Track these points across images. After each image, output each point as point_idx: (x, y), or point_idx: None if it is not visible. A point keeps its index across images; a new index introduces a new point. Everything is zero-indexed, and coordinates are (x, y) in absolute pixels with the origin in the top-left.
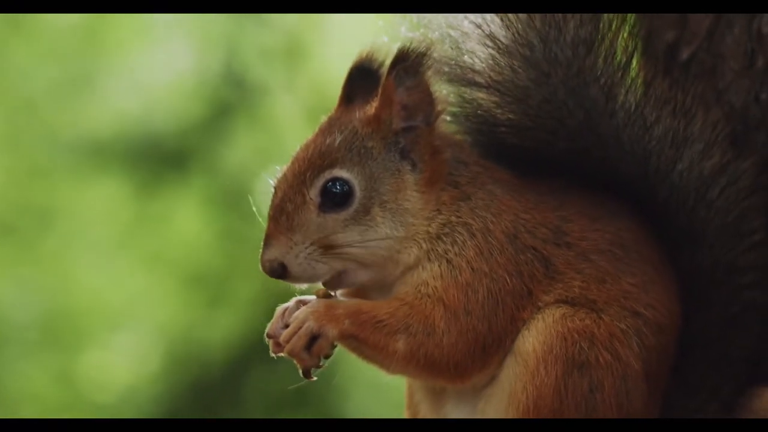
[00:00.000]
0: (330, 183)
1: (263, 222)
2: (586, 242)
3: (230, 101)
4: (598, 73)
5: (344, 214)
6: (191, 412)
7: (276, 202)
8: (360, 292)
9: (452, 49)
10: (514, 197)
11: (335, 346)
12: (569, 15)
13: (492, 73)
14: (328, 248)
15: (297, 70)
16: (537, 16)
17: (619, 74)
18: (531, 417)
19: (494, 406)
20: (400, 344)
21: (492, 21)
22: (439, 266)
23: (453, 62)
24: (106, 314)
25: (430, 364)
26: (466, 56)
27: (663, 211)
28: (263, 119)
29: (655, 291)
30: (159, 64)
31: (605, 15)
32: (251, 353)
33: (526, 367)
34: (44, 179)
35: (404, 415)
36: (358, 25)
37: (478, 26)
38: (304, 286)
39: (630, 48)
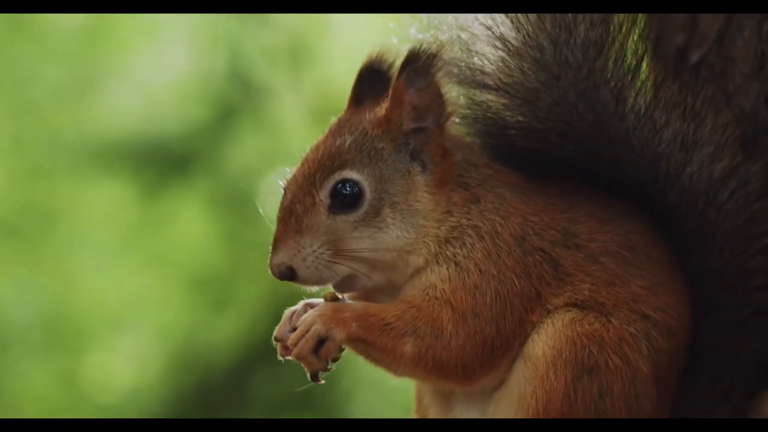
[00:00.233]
0: (340, 184)
1: (268, 224)
2: (595, 244)
3: (234, 102)
4: (608, 75)
5: (354, 216)
6: (194, 414)
7: (285, 204)
8: (368, 295)
9: (462, 50)
10: (523, 200)
11: (343, 349)
12: (580, 17)
13: (502, 75)
14: (337, 250)
15: (301, 71)
16: (547, 18)
17: (629, 77)
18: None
19: (503, 409)
20: (408, 347)
21: (502, 23)
22: (447, 269)
23: (463, 64)
24: (109, 316)
25: (438, 367)
26: (476, 58)
27: (672, 214)
28: (267, 121)
29: (664, 294)
30: (163, 66)
31: (615, 17)
32: (255, 355)
33: (536, 372)
34: (47, 181)
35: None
36: (363, 26)
37: (488, 28)
38: (314, 288)
39: (640, 51)
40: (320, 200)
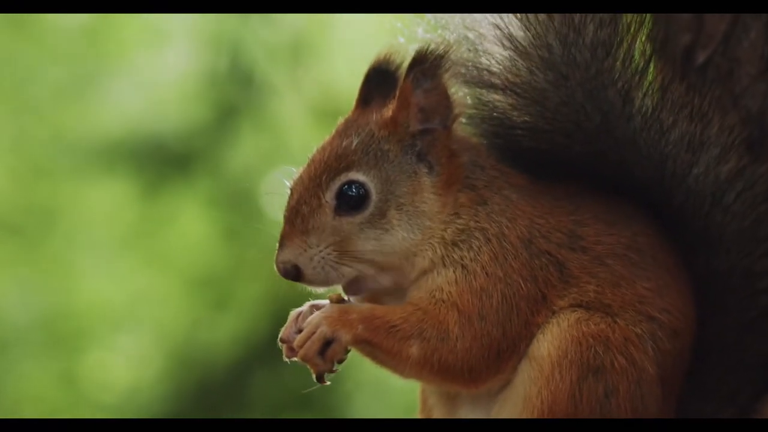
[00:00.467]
0: (346, 186)
1: (269, 224)
2: (601, 246)
3: (235, 102)
4: (616, 76)
5: (360, 218)
6: (194, 413)
7: (291, 204)
8: (374, 297)
9: (470, 50)
10: (530, 202)
11: (348, 351)
12: (588, 17)
13: (509, 75)
14: (343, 251)
15: (303, 70)
16: (556, 18)
17: (637, 78)
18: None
19: (509, 410)
20: (414, 349)
21: (510, 22)
22: (454, 272)
23: (470, 64)
24: (109, 315)
25: (444, 370)
26: (483, 58)
27: (679, 215)
28: (268, 120)
29: (670, 295)
30: (163, 65)
31: (624, 18)
32: (254, 355)
33: (541, 372)
34: (48, 180)
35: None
36: (365, 25)
37: (497, 27)
38: (319, 290)
39: (648, 51)
40: (326, 201)
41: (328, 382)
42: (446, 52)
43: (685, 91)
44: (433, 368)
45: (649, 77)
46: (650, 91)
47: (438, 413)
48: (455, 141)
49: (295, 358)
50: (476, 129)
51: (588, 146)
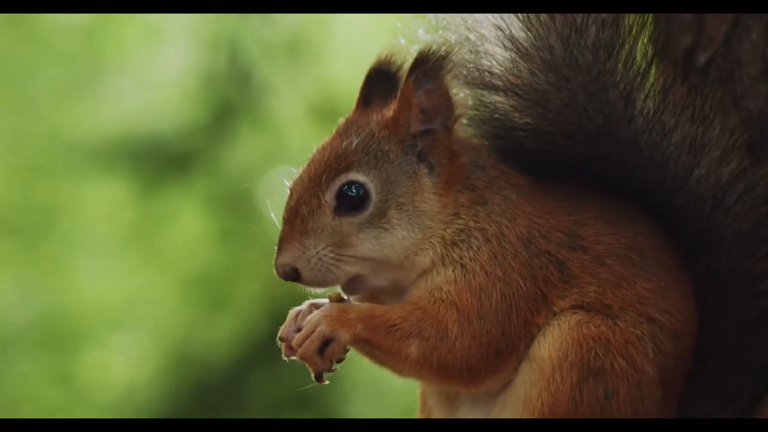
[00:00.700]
0: (346, 186)
1: (267, 224)
2: (602, 246)
3: (234, 102)
4: (618, 77)
5: (359, 218)
6: (192, 413)
7: (291, 205)
8: (374, 296)
9: (471, 51)
10: (530, 202)
11: (347, 350)
12: (591, 19)
13: (511, 77)
14: (341, 252)
15: (301, 70)
16: (558, 19)
17: (639, 79)
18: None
19: (509, 412)
20: (413, 349)
21: (512, 23)
22: (453, 271)
23: (472, 65)
24: (106, 314)
25: (443, 369)
26: (484, 59)
27: (680, 217)
28: (267, 120)
29: (671, 297)
30: (162, 65)
31: (626, 19)
32: (252, 354)
33: (542, 374)
34: (46, 179)
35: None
36: (365, 25)
37: (498, 28)
38: (318, 290)
39: (650, 53)
40: (326, 202)
41: (327, 381)
42: (448, 53)
43: (687, 93)
44: (432, 367)
45: (651, 79)
46: (652, 93)
47: (438, 414)
48: (456, 142)
49: (294, 357)
50: (477, 130)
51: (589, 148)
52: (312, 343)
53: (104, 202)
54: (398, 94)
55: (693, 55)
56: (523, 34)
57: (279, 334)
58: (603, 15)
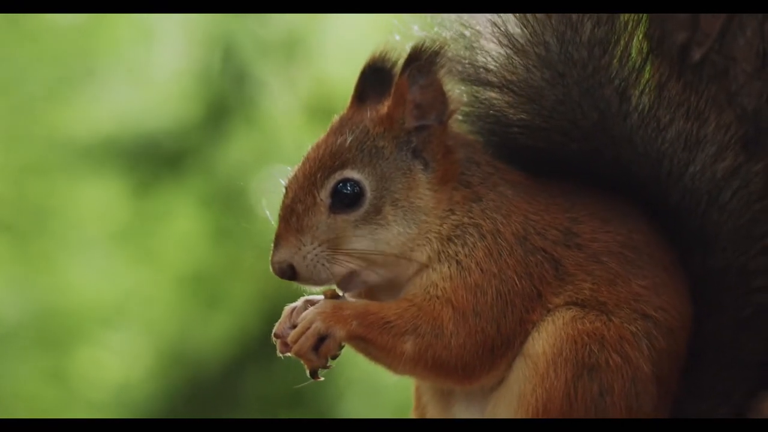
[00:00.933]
0: (341, 184)
1: (261, 222)
2: (597, 244)
3: (228, 100)
4: (613, 74)
5: (355, 215)
6: (186, 411)
7: (286, 203)
8: (369, 293)
9: (466, 48)
10: (525, 199)
11: (342, 347)
12: (586, 15)
13: (506, 73)
14: (337, 249)
15: (295, 68)
16: (553, 16)
17: (634, 76)
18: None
19: (503, 408)
20: (408, 345)
21: (507, 20)
22: (449, 267)
23: (466, 61)
24: (100, 313)
25: (438, 366)
26: (479, 55)
27: (675, 213)
28: (261, 118)
29: (666, 293)
30: (156, 63)
31: (621, 16)
32: (246, 353)
33: (536, 370)
34: (40, 178)
35: (411, 416)
36: (359, 23)
37: (494, 24)
38: (314, 288)
39: (645, 49)
40: (321, 200)
41: (322, 378)
42: (442, 48)
43: (682, 89)
44: (427, 364)
45: (646, 75)
46: (647, 89)
47: (432, 410)
48: (451, 137)
49: (289, 354)
50: (473, 127)
51: (584, 144)
52: (307, 340)
53: (98, 200)
54: (392, 90)
55: (688, 52)
56: (519, 31)
57: (274, 331)
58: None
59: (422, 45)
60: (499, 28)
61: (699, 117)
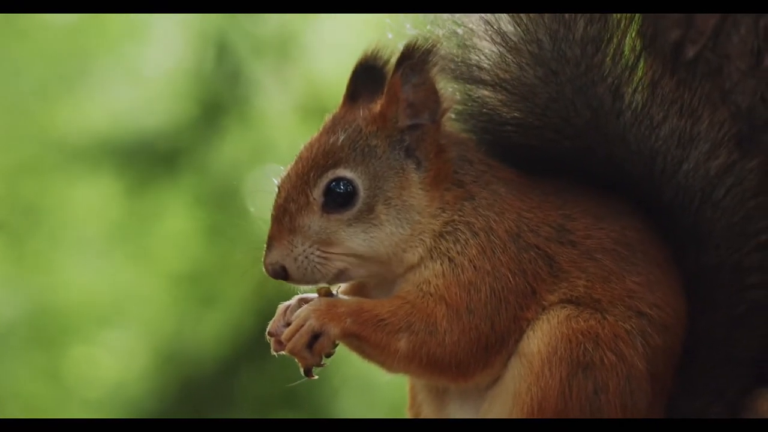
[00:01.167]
0: (333, 183)
1: (255, 221)
2: (591, 241)
3: (221, 99)
4: (606, 72)
5: (348, 214)
6: (180, 410)
7: (279, 203)
8: (362, 290)
9: (459, 46)
10: (518, 196)
11: (337, 345)
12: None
13: (499, 71)
14: (329, 249)
15: (289, 67)
16: (546, 14)
17: (627, 73)
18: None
19: (498, 407)
20: (402, 343)
21: (500, 18)
22: (441, 264)
23: (459, 60)
24: (94, 312)
25: (432, 363)
26: (472, 53)
27: (669, 211)
28: (255, 117)
29: (660, 291)
30: (150, 62)
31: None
32: (240, 352)
33: (531, 369)
34: (34, 176)
35: (406, 415)
36: (352, 22)
37: (487, 23)
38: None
39: (638, 47)
40: (314, 199)
41: (316, 376)
42: (435, 47)
43: (675, 87)
44: (421, 362)
45: (639, 73)
46: (640, 87)
47: (427, 409)
48: (444, 136)
49: (283, 352)
50: (465, 125)
51: (577, 142)
52: (301, 338)
53: (92, 199)
54: (385, 88)
55: (681, 49)
56: (512, 28)
57: (268, 329)
58: None
59: (415, 43)
60: (491, 26)
61: (692, 114)
